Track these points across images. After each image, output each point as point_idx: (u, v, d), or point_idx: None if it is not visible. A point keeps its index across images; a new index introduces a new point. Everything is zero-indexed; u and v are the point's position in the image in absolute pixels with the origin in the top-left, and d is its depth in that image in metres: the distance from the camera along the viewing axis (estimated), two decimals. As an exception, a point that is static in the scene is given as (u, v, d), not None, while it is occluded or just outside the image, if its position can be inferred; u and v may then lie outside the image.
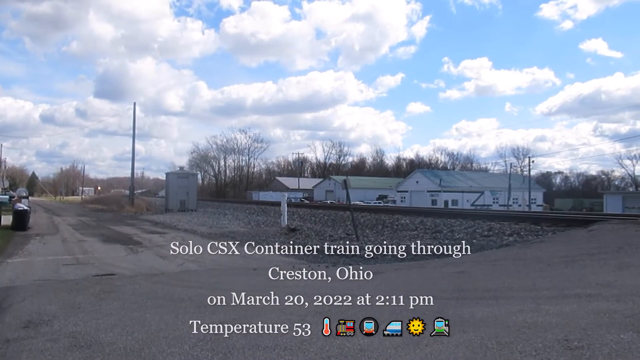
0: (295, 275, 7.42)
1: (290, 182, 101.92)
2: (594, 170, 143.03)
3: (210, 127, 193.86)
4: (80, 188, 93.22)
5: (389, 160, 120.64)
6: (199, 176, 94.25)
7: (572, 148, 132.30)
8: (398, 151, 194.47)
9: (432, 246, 10.54)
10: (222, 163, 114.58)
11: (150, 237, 14.45)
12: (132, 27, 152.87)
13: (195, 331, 4.36)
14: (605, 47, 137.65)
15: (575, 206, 69.89)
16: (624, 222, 10.17)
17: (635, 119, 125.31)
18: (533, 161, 69.26)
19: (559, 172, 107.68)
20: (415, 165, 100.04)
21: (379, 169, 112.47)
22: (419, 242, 11.78)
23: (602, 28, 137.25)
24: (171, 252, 10.68)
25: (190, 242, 13.30)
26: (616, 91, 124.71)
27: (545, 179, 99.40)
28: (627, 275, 5.67)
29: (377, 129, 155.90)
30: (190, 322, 4.64)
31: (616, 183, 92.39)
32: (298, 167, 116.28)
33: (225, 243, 12.34)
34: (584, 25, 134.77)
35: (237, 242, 12.40)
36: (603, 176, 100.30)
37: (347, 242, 12.21)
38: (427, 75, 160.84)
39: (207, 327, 4.46)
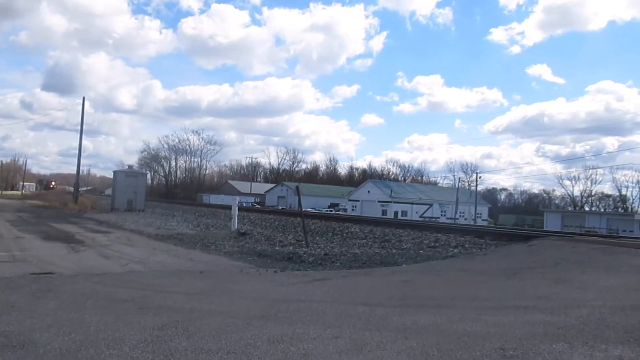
0: (242, 279, 7.40)
1: (242, 186, 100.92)
2: (536, 188, 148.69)
3: (163, 127, 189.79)
4: (21, 183, 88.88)
5: (342, 169, 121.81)
6: (149, 176, 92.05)
7: (517, 166, 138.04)
8: (351, 160, 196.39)
9: (380, 255, 10.85)
10: (173, 164, 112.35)
11: (94, 236, 13.98)
12: (86, 21, 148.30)
13: (136, 333, 4.26)
14: (549, 73, 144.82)
15: (517, 222, 72.64)
16: (562, 239, 10.62)
17: (575, 142, 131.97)
18: (480, 177, 71.87)
19: (504, 189, 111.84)
20: (368, 176, 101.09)
21: (331, 177, 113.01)
22: (367, 250, 12.07)
23: (547, 55, 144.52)
24: (115, 252, 10.51)
25: (136, 242, 13.04)
26: (558, 115, 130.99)
27: (490, 195, 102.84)
28: (562, 289, 5.93)
29: (332, 137, 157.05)
30: (131, 323, 4.55)
31: (556, 202, 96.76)
32: (251, 172, 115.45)
33: (173, 245, 12.41)
34: (531, 51, 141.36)
35: (185, 245, 12.69)
36: (545, 195, 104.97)
37: (297, 248, 12.27)
38: (382, 88, 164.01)
39: (148, 329, 4.38)
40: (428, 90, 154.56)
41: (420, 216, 66.30)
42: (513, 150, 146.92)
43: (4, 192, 76.68)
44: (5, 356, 3.67)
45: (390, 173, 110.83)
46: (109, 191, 76.87)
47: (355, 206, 73.84)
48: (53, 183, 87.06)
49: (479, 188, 76.53)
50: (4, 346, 3.88)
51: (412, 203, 71.36)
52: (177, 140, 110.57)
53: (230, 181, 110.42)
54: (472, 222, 59.94)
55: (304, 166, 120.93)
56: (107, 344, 3.98)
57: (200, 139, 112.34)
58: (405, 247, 12.51)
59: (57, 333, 4.22)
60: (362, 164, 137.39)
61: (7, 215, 23.02)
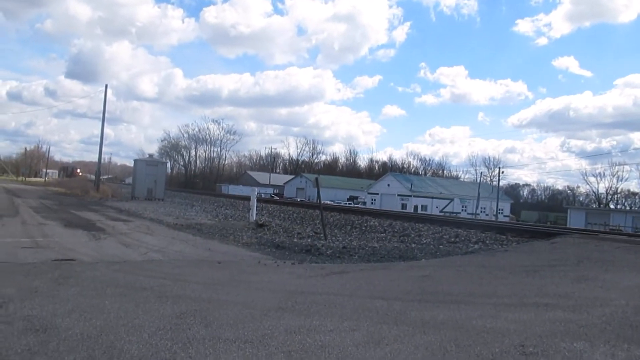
0: (260, 270, 7.43)
1: (261, 177, 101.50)
2: (560, 184, 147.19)
3: (183, 116, 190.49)
4: (44, 170, 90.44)
5: (362, 162, 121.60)
6: (168, 165, 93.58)
7: (540, 161, 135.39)
8: (371, 153, 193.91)
9: (399, 249, 10.78)
10: (193, 153, 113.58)
11: (114, 225, 14.16)
12: (110, 10, 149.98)
13: (154, 320, 4.33)
14: (576, 66, 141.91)
15: (540, 219, 71.67)
16: (585, 237, 10.46)
17: (601, 138, 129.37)
18: (503, 172, 70.47)
19: (527, 185, 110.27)
20: (388, 168, 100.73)
21: (351, 170, 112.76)
22: (386, 244, 12.05)
23: (574, 47, 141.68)
24: (134, 241, 10.64)
25: (155, 231, 13.02)
26: (584, 109, 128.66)
27: (513, 190, 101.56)
28: (584, 288, 5.85)
29: (352, 129, 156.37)
30: (150, 311, 4.62)
31: (580, 199, 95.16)
32: (270, 162, 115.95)
33: (191, 235, 12.45)
34: (558, 43, 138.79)
35: (203, 235, 12.79)
36: (569, 191, 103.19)
37: (315, 241, 12.24)
38: (404, 79, 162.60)
39: (167, 317, 4.44)
40: (451, 81, 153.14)
41: (441, 211, 65.76)
42: (537, 145, 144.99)
43: (27, 179, 78.18)
44: (29, 339, 3.77)
45: (411, 166, 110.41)
46: (129, 180, 77.89)
47: (375, 199, 73.78)
48: (79, 170, 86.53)
49: (501, 183, 75.80)
50: (27, 330, 3.98)
51: (433, 197, 70.81)
52: (197, 129, 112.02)
53: (249, 172, 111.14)
54: (493, 218, 59.35)
55: (323, 158, 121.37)
56: (127, 330, 4.05)
57: (220, 129, 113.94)
58: (424, 241, 12.43)
59: (78, 318, 4.31)
60: (382, 156, 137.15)
61: (30, 201, 23.51)
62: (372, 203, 71.89)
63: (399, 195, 70.58)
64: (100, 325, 4.14)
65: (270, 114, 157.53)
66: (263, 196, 51.73)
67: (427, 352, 3.71)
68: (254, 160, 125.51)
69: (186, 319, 4.42)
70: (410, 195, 69.65)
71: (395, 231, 14.49)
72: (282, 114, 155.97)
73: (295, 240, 12.43)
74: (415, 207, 66.21)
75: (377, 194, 74.72)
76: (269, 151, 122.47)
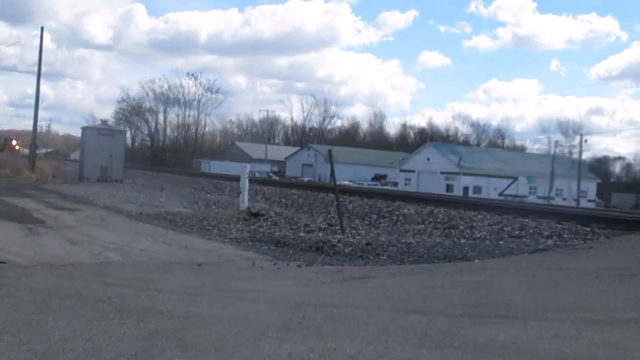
0: (254, 275, 7.41)
1: (254, 149, 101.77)
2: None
3: (148, 69, 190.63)
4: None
5: (392, 128, 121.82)
6: (128, 135, 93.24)
7: (638, 126, 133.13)
8: (404, 116, 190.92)
9: (443, 246, 10.95)
10: (162, 118, 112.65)
11: (57, 215, 14.26)
12: None
13: (114, 343, 4.34)
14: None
15: (638, 204, 70.99)
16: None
17: None
18: (586, 141, 69.76)
19: (620, 158, 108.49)
20: (427, 137, 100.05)
21: (377, 139, 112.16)
22: (426, 239, 12.08)
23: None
24: (85, 236, 10.71)
25: (112, 223, 13.12)
26: None
27: (600, 166, 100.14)
28: (700, 298, 5.81)
29: (378, 84, 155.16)
30: (108, 330, 4.63)
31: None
32: (267, 131, 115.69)
33: (162, 228, 12.78)
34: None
35: (177, 228, 12.83)
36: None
37: (329, 235, 12.30)
38: (447, 16, 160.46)
39: (131, 339, 4.46)
40: (513, 18, 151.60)
41: (500, 194, 65.27)
42: (633, 103, 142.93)
43: None
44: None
45: (459, 134, 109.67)
46: (75, 155, 77.55)
47: (410, 179, 73.64)
48: (14, 142, 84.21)
49: (584, 156, 74.98)
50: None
51: (489, 176, 70.21)
52: (166, 86, 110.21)
53: (237, 143, 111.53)
54: (573, 203, 58.99)
55: (339, 123, 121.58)
56: (77, 356, 4.06)
57: (198, 86, 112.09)
58: (478, 235, 12.45)
59: (11, 342, 4.32)
60: (419, 120, 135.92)
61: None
62: (406, 184, 71.88)
63: (442, 173, 69.98)
64: (41, 351, 4.15)
65: (266, 64, 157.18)
66: (257, 175, 51.98)
67: (483, 385, 3.71)
68: (245, 127, 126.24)
69: (156, 341, 4.43)
70: (458, 173, 68.96)
71: (437, 222, 14.54)
72: (281, 65, 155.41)
73: (301, 234, 12.48)
74: (465, 189, 65.29)
75: (413, 171, 74.28)
76: (265, 115, 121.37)
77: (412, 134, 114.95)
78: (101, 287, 6.24)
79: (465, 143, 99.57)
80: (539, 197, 65.48)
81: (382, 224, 14.82)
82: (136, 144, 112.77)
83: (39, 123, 39.66)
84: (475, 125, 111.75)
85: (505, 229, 13.05)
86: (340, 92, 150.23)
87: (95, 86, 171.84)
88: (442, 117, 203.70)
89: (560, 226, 12.95)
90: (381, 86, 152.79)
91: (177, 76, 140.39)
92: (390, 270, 8.09)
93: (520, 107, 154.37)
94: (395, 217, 15.77)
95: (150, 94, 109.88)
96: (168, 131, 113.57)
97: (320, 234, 12.53)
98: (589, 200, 71.41)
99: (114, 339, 4.44)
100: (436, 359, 4.16)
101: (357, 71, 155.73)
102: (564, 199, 66.54)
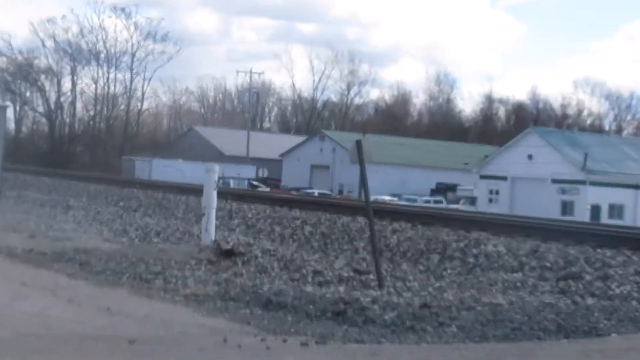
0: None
1: (228, 139, 72.49)
2: None
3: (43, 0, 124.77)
4: None
5: (467, 104, 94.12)
6: (10, 113, 61.18)
7: None
8: (489, 82, 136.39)
9: (555, 310, 8.95)
10: (69, 86, 77.45)
11: None
12: None
13: None
14: None
15: None
16: None
17: None
18: None
19: None
20: (528, 119, 71.84)
21: (441, 122, 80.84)
22: (526, 297, 9.92)
23: None
24: None
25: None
26: None
27: None
28: None
29: (443, 25, 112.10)
30: None
31: None
32: (249, 107, 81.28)
33: (66, 276, 10.73)
34: None
35: (94, 276, 10.57)
36: None
37: (357, 289, 10.45)
38: None
39: None
40: None
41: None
42: None
43: None
44: None
45: (584, 113, 78.63)
46: None
47: (498, 191, 54.68)
48: None
49: None
50: None
51: (638, 187, 50.89)
52: (76, 30, 76.24)
53: (198, 128, 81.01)
54: None
55: (374, 95, 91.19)
56: None
57: (131, 28, 78.29)
58: (617, 292, 10.19)
59: None
60: (514, 89, 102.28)
61: None
62: (490, 200, 54.13)
63: (555, 181, 50.94)
64: None
65: None
66: (234, 185, 43.85)
67: None
68: (212, 102, 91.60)
69: None
70: (582, 182, 49.45)
71: (545, 267, 11.73)
72: None
73: (309, 288, 10.34)
74: (595, 210, 47.87)
75: (504, 178, 53.83)
76: (247, 80, 79.77)
77: (501, 112, 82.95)
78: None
79: (596, 129, 71.69)
80: None
81: (449, 271, 12.07)
82: (24, 129, 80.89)
83: None
84: (612, 98, 79.66)
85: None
86: (377, 40, 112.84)
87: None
88: (554, 85, 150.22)
89: None
90: (448, 29, 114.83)
91: (94, 12, 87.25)
92: (464, 353, 6.68)
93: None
94: (471, 260, 12.65)
95: (49, 42, 75.60)
96: (79, 107, 79.05)
97: (342, 288, 10.49)
98: None
99: None
100: None
101: (404, 2, 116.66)
102: None
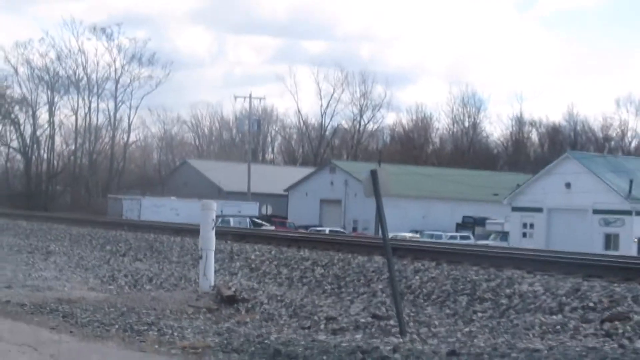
0: None
1: (226, 174, 68.39)
2: None
3: (16, 19, 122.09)
4: None
5: (495, 127, 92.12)
6: None
7: None
8: (519, 101, 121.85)
9: (602, 354, 8.34)
10: (46, 117, 72.34)
11: None
12: None
13: None
14: None
15: None
16: None
17: None
18: None
19: None
20: (566, 143, 68.04)
21: (467, 150, 77.92)
22: (567, 341, 9.36)
23: None
24: None
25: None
26: None
27: None
28: None
29: (467, 41, 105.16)
30: None
31: None
32: (250, 137, 74.19)
33: (48, 331, 10.19)
34: None
35: (80, 329, 10.05)
36: None
37: (377, 337, 10.03)
38: None
39: None
40: None
41: None
42: None
43: None
44: None
45: (629, 135, 72.65)
46: None
47: (532, 225, 51.82)
48: None
49: None
50: None
51: None
52: (53, 54, 71.29)
53: (192, 162, 76.83)
54: None
55: (390, 119, 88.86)
56: None
57: (115, 51, 73.21)
58: None
59: None
60: (546, 110, 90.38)
61: None
62: (524, 234, 51.68)
63: (597, 212, 48.11)
64: None
65: (249, 7, 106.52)
66: (234, 223, 42.80)
67: None
68: (207, 132, 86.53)
69: None
70: (628, 212, 46.65)
71: (588, 308, 11.07)
72: (277, 10, 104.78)
73: (321, 337, 9.98)
74: None
75: (539, 210, 51.14)
76: (245, 105, 73.06)
77: (534, 136, 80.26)
78: None
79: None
80: None
81: (480, 314, 11.46)
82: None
83: None
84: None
85: None
86: (392, 58, 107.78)
87: None
88: (593, 104, 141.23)
89: None
90: (474, 45, 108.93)
91: (72, 34, 77.31)
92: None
93: None
94: (504, 301, 11.96)
95: (22, 69, 70.36)
96: (58, 142, 73.82)
97: (359, 336, 10.14)
98: None
99: None
100: None
101: (424, 16, 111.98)
102: None
